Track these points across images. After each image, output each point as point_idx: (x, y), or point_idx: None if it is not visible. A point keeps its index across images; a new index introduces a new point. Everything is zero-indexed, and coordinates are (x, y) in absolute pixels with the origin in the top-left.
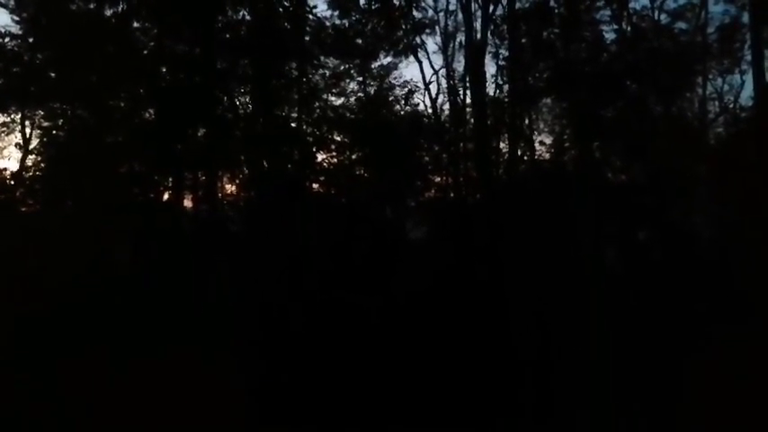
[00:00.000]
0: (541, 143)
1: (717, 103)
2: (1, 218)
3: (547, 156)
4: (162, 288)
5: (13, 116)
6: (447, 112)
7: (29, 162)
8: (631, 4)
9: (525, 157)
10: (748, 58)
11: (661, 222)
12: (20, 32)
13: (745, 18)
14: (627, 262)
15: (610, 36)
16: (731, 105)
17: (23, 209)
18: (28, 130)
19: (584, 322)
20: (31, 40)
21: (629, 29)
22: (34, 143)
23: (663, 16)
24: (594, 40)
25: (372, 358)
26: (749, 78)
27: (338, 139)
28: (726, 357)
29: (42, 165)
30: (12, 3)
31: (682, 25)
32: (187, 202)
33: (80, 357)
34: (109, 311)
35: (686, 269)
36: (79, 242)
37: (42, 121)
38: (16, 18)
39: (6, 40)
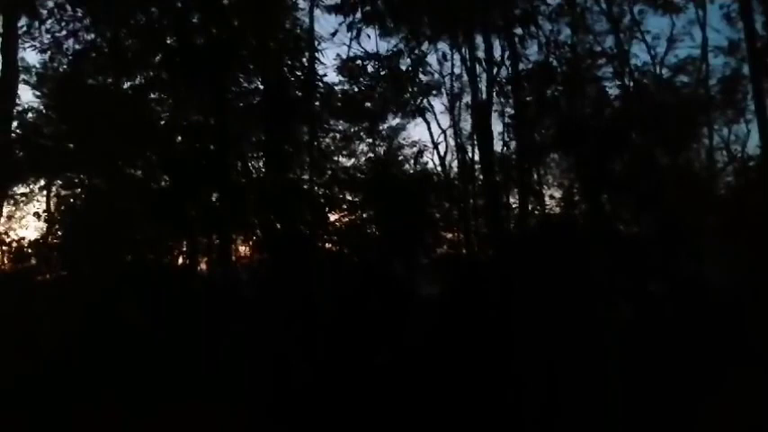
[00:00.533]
0: (551, 197)
1: (724, 152)
2: (19, 286)
3: (557, 210)
4: (174, 350)
5: (32, 186)
6: (456, 170)
7: (45, 230)
8: (632, 61)
9: (536, 212)
10: (752, 107)
11: (673, 273)
12: (41, 107)
13: (746, 70)
14: (640, 314)
15: (613, 92)
16: (739, 155)
17: (39, 277)
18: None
19: (598, 376)
20: (51, 113)
21: (631, 84)
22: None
23: (664, 71)
24: (598, 95)
25: (382, 416)
26: (754, 128)
27: (349, 198)
28: (740, 408)
29: (60, 233)
30: (34, 79)
31: (684, 78)
32: (202, 266)
33: (94, 413)
34: (121, 375)
35: (699, 320)
36: (94, 307)
37: (61, 190)
38: (38, 93)
39: (29, 115)
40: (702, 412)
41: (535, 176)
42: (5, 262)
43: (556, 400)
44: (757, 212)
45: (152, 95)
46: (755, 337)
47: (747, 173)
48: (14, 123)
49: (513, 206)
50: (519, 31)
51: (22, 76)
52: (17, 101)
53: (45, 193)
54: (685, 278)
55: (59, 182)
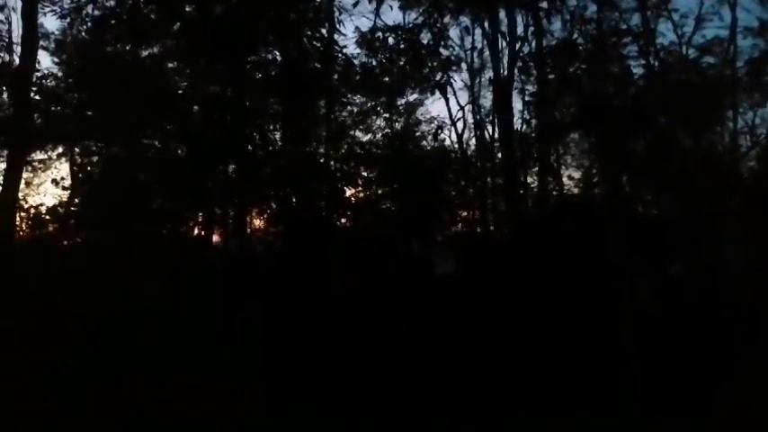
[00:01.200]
0: (570, 177)
1: (748, 136)
2: (37, 252)
3: (575, 190)
4: (190, 320)
5: (50, 153)
6: (473, 147)
7: (64, 198)
8: (658, 40)
9: (554, 192)
10: None
11: (693, 257)
12: (59, 74)
13: None
14: (659, 297)
15: (637, 71)
16: (763, 139)
17: (58, 243)
18: (66, 167)
19: (615, 357)
20: (70, 81)
21: (656, 64)
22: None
23: (691, 51)
24: (622, 74)
25: (397, 395)
26: None
27: (366, 174)
28: (759, 393)
29: (77, 200)
30: (53, 46)
31: (710, 59)
32: (217, 237)
33: (109, 389)
34: (138, 345)
35: (719, 304)
36: (112, 276)
37: (79, 158)
38: (56, 60)
39: (47, 81)
40: (718, 394)
41: (554, 156)
42: (24, 228)
43: (572, 380)
44: None
45: (170, 65)
46: None
47: None
48: (33, 89)
49: (532, 186)
50: (544, 5)
51: (41, 42)
52: (36, 67)
53: (64, 160)
54: (705, 261)
55: (77, 150)
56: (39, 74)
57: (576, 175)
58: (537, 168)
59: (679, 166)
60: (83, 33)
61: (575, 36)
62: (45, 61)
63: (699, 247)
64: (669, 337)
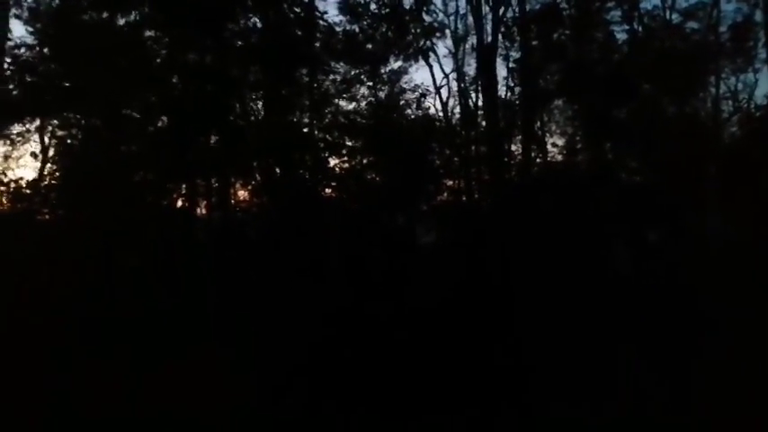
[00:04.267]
0: (554, 145)
1: (731, 102)
2: (18, 226)
3: (559, 157)
4: (175, 295)
5: (28, 126)
6: (458, 116)
7: (45, 171)
8: (642, 5)
9: (538, 159)
10: (762, 56)
11: (674, 223)
12: (34, 43)
13: (758, 16)
14: (640, 263)
15: (621, 36)
16: (745, 104)
17: (39, 217)
18: (46, 139)
19: (599, 326)
20: (45, 50)
21: (640, 29)
22: (50, 152)
23: (674, 16)
24: (606, 40)
25: (385, 365)
26: (763, 76)
27: (350, 144)
28: (737, 359)
29: (58, 173)
30: (26, 14)
31: (693, 25)
32: (200, 209)
33: (90, 364)
34: (121, 320)
35: (699, 270)
36: (94, 250)
37: (57, 130)
38: (30, 29)
39: (22, 50)
40: (699, 361)
41: (539, 123)
42: (4, 202)
43: (554, 346)
44: (760, 163)
45: (148, 33)
46: (755, 284)
47: (753, 123)
48: (7, 60)
49: (516, 153)
50: None
51: (14, 11)
52: (9, 36)
53: (40, 133)
54: (685, 226)
55: (56, 122)
56: (12, 43)
57: (560, 142)
58: (521, 136)
59: (662, 133)
60: (56, 0)
61: (558, 0)
62: (19, 30)
63: (681, 212)
64: (648, 302)
